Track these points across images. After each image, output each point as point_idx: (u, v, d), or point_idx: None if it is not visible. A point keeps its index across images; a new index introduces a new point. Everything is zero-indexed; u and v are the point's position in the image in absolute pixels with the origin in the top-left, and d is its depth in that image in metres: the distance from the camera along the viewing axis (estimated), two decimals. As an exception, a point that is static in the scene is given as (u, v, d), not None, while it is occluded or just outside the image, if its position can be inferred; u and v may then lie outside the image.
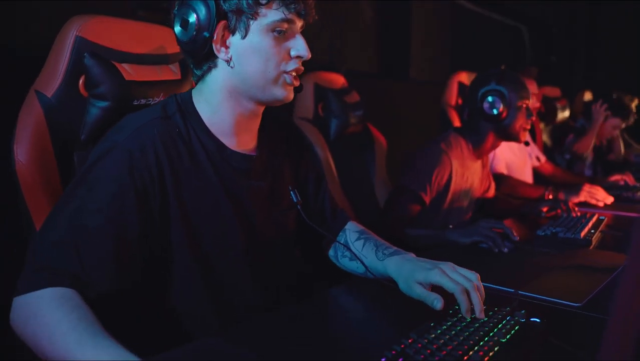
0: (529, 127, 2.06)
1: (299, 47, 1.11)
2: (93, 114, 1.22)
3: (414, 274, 1.12)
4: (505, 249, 1.58)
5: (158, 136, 1.07)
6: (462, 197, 2.10)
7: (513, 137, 2.06)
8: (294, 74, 1.13)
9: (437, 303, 1.04)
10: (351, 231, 1.35)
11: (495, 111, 1.98)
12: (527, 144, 2.14)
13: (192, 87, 1.20)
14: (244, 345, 0.96)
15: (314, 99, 2.14)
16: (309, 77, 2.15)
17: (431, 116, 3.14)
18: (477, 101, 2.02)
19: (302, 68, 1.14)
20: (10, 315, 0.92)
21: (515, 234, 1.64)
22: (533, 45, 6.84)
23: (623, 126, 3.88)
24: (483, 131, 2.06)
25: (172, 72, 1.37)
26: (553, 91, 4.12)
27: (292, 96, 1.15)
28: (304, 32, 1.15)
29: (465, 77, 2.99)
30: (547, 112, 3.85)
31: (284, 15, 1.07)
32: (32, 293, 0.89)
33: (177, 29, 1.11)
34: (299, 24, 1.12)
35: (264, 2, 1.06)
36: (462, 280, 1.06)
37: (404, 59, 4.76)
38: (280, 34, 1.08)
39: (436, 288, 1.08)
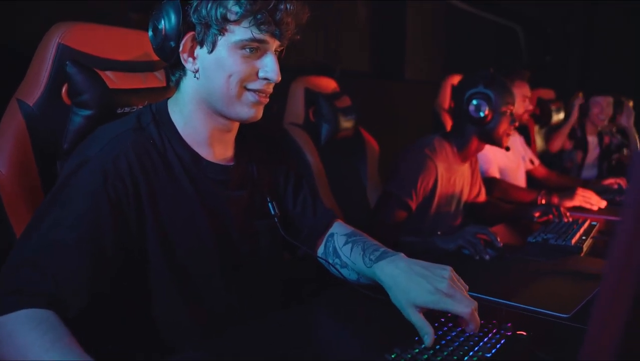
0: (511, 133, 2.05)
1: (267, 68, 1.08)
2: (76, 122, 1.21)
3: (410, 293, 1.02)
4: (487, 257, 1.56)
5: (131, 148, 1.05)
6: (449, 201, 2.09)
7: (495, 141, 2.06)
8: (258, 93, 1.10)
9: (428, 339, 0.95)
10: (339, 235, 1.30)
11: (480, 114, 1.98)
12: (507, 149, 2.14)
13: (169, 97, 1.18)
14: (224, 355, 0.94)
15: (305, 104, 2.12)
16: (300, 82, 2.14)
17: (427, 116, 3.13)
18: (463, 102, 2.02)
19: (270, 90, 1.11)
20: None
21: (499, 240, 1.61)
22: (528, 46, 6.84)
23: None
24: (467, 133, 2.06)
25: (157, 80, 1.35)
26: (548, 93, 4.11)
27: (259, 115, 1.13)
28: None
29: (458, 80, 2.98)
30: (542, 114, 3.85)
31: (253, 35, 1.04)
32: (6, 315, 0.86)
33: (150, 33, 1.10)
34: (273, 44, 1.09)
35: (232, 18, 1.03)
36: (468, 303, 1.00)
37: (400, 59, 4.75)
38: (249, 52, 1.06)
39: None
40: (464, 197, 2.20)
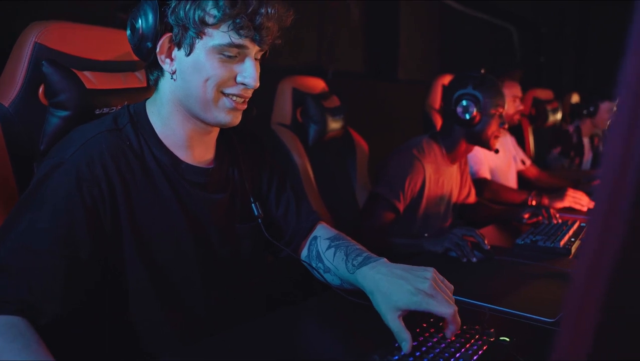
0: (500, 135, 2.04)
1: (246, 74, 1.05)
2: (53, 123, 1.18)
3: (392, 296, 0.99)
4: (474, 259, 1.55)
5: (107, 150, 1.03)
6: (438, 203, 2.07)
7: (484, 143, 2.04)
8: (235, 98, 1.07)
9: (406, 345, 0.92)
10: (322, 238, 1.28)
11: (467, 116, 1.96)
12: (496, 152, 2.12)
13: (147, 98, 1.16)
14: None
15: (292, 104, 2.10)
16: (287, 82, 2.12)
17: (419, 116, 3.11)
18: (452, 103, 2.00)
19: (248, 95, 1.09)
20: None
21: (486, 243, 1.59)
22: (522, 46, 6.84)
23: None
24: (456, 134, 2.04)
25: (137, 80, 1.33)
26: (544, 93, 4.08)
27: (237, 120, 1.10)
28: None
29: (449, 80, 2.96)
30: (537, 115, 3.83)
31: (231, 40, 1.01)
32: None
33: (128, 32, 1.07)
34: (253, 49, 1.06)
35: (210, 22, 1.00)
36: (450, 306, 0.97)
37: (393, 59, 4.74)
38: (228, 57, 1.03)
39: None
40: (453, 198, 2.18)
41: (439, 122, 2.83)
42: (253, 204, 1.21)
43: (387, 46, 4.70)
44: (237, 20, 0.99)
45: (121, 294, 1.06)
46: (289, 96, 2.08)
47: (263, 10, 1.01)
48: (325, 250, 1.25)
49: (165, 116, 1.10)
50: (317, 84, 2.23)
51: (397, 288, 1.00)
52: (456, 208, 2.25)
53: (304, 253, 1.31)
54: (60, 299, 0.93)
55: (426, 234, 1.76)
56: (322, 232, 1.30)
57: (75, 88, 1.18)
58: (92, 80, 1.22)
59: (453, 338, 0.98)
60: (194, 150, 1.14)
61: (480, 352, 0.94)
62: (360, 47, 4.59)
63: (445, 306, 0.96)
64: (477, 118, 1.96)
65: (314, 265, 1.27)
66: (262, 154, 1.33)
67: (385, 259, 1.12)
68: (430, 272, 1.02)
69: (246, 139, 1.30)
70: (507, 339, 1.00)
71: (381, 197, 1.89)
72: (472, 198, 2.34)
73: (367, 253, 1.17)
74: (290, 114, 2.09)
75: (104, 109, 1.23)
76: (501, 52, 6.59)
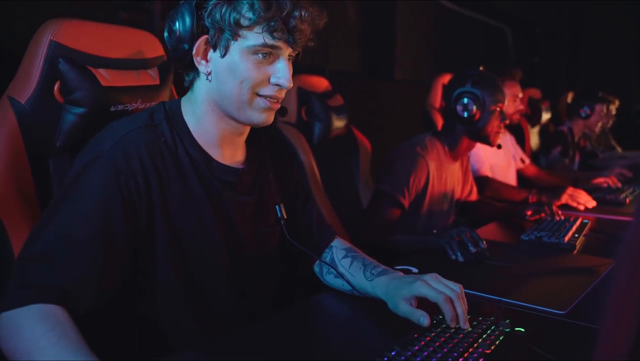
0: (501, 131, 2.06)
1: (279, 75, 1.06)
2: (69, 120, 1.19)
3: (398, 291, 1.09)
4: (461, 259, 1.54)
5: (143, 145, 1.04)
6: (441, 200, 2.09)
7: (485, 140, 2.06)
8: (269, 99, 1.08)
9: (424, 320, 1.02)
10: (338, 248, 1.32)
11: (467, 113, 1.98)
12: (499, 147, 2.14)
13: (182, 96, 1.17)
14: (226, 355, 0.94)
15: (297, 103, 2.11)
16: (293, 81, 2.12)
17: (417, 116, 3.13)
18: (452, 102, 2.02)
19: (282, 96, 1.10)
20: None
21: (474, 246, 1.56)
22: (516, 46, 6.89)
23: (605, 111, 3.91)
24: (457, 132, 2.06)
25: (150, 78, 1.33)
26: (536, 93, 4.13)
27: (270, 120, 1.12)
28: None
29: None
30: (532, 114, 3.86)
31: (265, 41, 1.03)
32: (16, 309, 0.87)
33: (165, 34, 1.09)
34: (286, 50, 1.07)
35: (245, 24, 1.02)
36: (446, 290, 1.05)
37: (389, 59, 4.76)
38: (262, 57, 1.05)
39: (423, 302, 1.06)
40: (456, 196, 2.20)
41: (439, 121, 2.85)
42: (277, 206, 1.23)
43: (383, 46, 4.73)
44: (272, 23, 1.01)
45: (149, 288, 1.08)
46: (294, 95, 2.09)
47: (297, 13, 1.03)
48: (341, 258, 1.29)
49: (199, 115, 1.11)
50: (321, 83, 2.25)
51: (402, 283, 1.11)
52: (458, 205, 2.27)
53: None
54: (95, 289, 0.95)
55: (435, 231, 1.78)
56: (338, 243, 1.34)
57: (91, 85, 1.19)
58: (106, 77, 1.23)
59: (469, 329, 1.00)
60: (226, 150, 1.15)
61: (497, 342, 0.96)
62: (357, 47, 4.61)
63: (435, 292, 1.04)
64: (478, 115, 1.98)
65: (325, 269, 1.30)
66: (291, 163, 1.36)
67: (401, 273, 1.19)
68: (432, 274, 1.11)
69: (276, 144, 1.32)
70: (522, 330, 1.02)
71: (386, 194, 1.91)
72: (474, 196, 2.36)
73: (385, 267, 1.23)
74: (295, 113, 2.10)
75: (119, 106, 1.24)
76: (496, 52, 6.64)
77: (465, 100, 1.98)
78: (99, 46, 1.26)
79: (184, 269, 1.09)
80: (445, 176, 2.08)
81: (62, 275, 0.91)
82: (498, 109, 2.01)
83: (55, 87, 1.20)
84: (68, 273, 0.92)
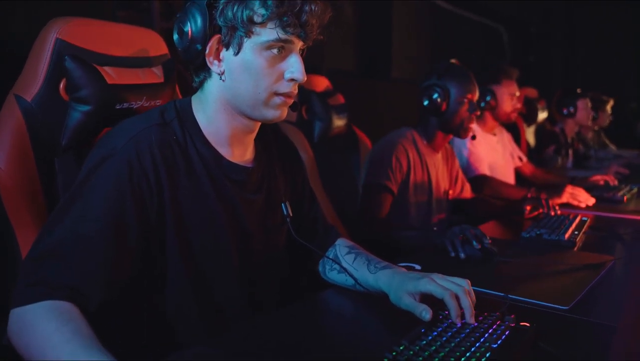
0: (471, 122, 2.08)
1: (293, 69, 1.07)
2: (74, 118, 1.19)
3: (403, 285, 1.11)
4: (462, 255, 1.55)
5: (155, 143, 1.05)
6: (423, 189, 2.12)
7: (455, 131, 2.10)
8: (286, 96, 1.09)
9: (425, 314, 1.02)
10: (341, 246, 1.33)
11: (434, 105, 2.02)
12: (473, 138, 2.18)
13: (185, 93, 1.18)
14: (232, 350, 0.95)
15: (298, 102, 2.12)
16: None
17: (413, 115, 3.14)
18: (421, 94, 2.06)
19: (296, 91, 1.11)
20: (8, 326, 0.90)
21: (488, 240, 1.58)
22: (512, 45, 6.91)
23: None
24: (431, 125, 2.12)
25: (155, 75, 1.34)
26: (533, 92, 4.16)
27: (284, 115, 1.13)
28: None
29: None
30: (528, 113, 3.89)
31: (278, 36, 1.03)
32: (28, 305, 0.88)
33: (175, 36, 1.09)
34: (298, 44, 1.08)
35: (258, 20, 1.02)
36: (452, 286, 1.06)
37: (386, 58, 4.77)
38: (275, 53, 1.05)
39: (428, 300, 1.07)
40: (441, 187, 2.22)
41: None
42: (283, 204, 1.24)
43: (380, 45, 4.74)
44: (285, 18, 1.02)
45: (158, 283, 1.08)
46: (294, 93, 2.10)
47: (307, 8, 1.04)
48: (345, 255, 1.30)
49: (210, 114, 1.12)
50: (322, 82, 2.26)
51: (408, 278, 1.13)
52: (450, 203, 2.29)
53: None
54: (106, 286, 0.95)
55: (435, 228, 1.79)
56: (342, 241, 1.36)
57: (97, 83, 1.19)
58: (112, 75, 1.23)
59: (476, 325, 1.01)
60: (236, 149, 1.16)
61: (503, 336, 0.97)
62: (353, 47, 4.62)
63: (440, 289, 1.05)
64: (444, 106, 2.02)
65: (328, 266, 1.31)
66: (298, 160, 1.37)
67: (405, 269, 1.20)
68: (437, 274, 1.12)
69: (282, 142, 1.33)
70: (528, 324, 1.03)
71: (372, 185, 1.95)
72: (467, 193, 2.38)
73: (388, 263, 1.24)
74: (296, 112, 2.10)
75: (124, 104, 1.24)
76: (491, 51, 6.66)
77: (432, 92, 2.03)
78: (104, 44, 1.27)
79: (193, 266, 1.10)
80: (425, 164, 2.12)
81: (73, 272, 0.92)
82: (466, 100, 2.04)
83: (61, 85, 1.21)
84: (80, 270, 0.92)
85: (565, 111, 3.94)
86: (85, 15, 1.30)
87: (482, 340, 0.95)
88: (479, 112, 2.10)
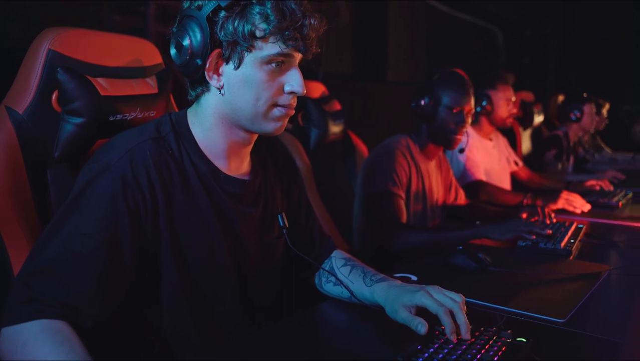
0: (459, 133, 2.04)
1: (293, 82, 1.07)
2: (67, 130, 1.17)
3: (399, 298, 1.10)
4: (544, 232, 1.71)
5: (151, 157, 1.04)
6: (418, 197, 2.11)
7: (443, 141, 2.09)
8: (286, 108, 1.09)
9: (421, 327, 1.02)
10: (337, 258, 1.33)
11: (421, 111, 2.02)
12: (461, 151, 2.18)
13: (180, 104, 1.17)
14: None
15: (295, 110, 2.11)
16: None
17: (409, 118, 3.14)
18: (412, 98, 2.06)
19: (295, 104, 1.11)
20: None
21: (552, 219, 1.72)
22: (507, 48, 6.92)
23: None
24: (423, 132, 2.11)
25: (149, 86, 1.33)
26: (527, 95, 4.16)
27: (283, 127, 1.13)
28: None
29: None
30: (524, 117, 3.89)
31: (280, 50, 1.03)
32: (21, 324, 0.86)
33: (172, 50, 1.08)
34: (298, 57, 1.08)
35: (260, 35, 1.02)
36: (447, 301, 1.05)
37: (382, 61, 4.77)
38: (275, 67, 1.05)
39: (424, 312, 1.07)
40: (436, 196, 2.21)
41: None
42: (279, 215, 1.23)
43: (376, 48, 4.74)
44: (286, 33, 1.02)
45: (154, 299, 1.07)
46: (290, 100, 2.09)
47: (307, 22, 1.04)
48: (341, 267, 1.30)
49: (207, 128, 1.11)
50: (318, 88, 2.25)
51: (404, 291, 1.12)
52: (445, 210, 2.28)
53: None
54: (101, 303, 0.94)
55: (477, 222, 1.79)
56: (338, 253, 1.36)
57: (90, 95, 1.17)
58: (105, 87, 1.22)
59: (472, 340, 1.00)
60: (232, 162, 1.15)
61: (499, 353, 0.96)
62: (350, 49, 4.61)
63: (437, 304, 1.04)
64: (433, 116, 2.02)
65: (324, 278, 1.31)
66: (294, 171, 1.36)
67: (400, 281, 1.19)
68: (434, 286, 1.12)
69: (277, 154, 1.32)
70: (524, 340, 1.02)
71: (379, 193, 1.93)
72: (462, 200, 2.37)
73: (384, 276, 1.23)
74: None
75: (118, 115, 1.23)
76: (487, 53, 6.67)
77: (421, 100, 2.02)
78: (97, 55, 1.25)
79: (189, 281, 1.09)
80: (420, 172, 2.12)
81: (67, 290, 0.91)
82: (455, 110, 2.01)
83: (54, 97, 1.19)
84: (74, 288, 0.91)
85: (572, 116, 3.89)
86: (81, 19, 1.29)
87: (478, 356, 0.94)
88: (468, 125, 2.09)
